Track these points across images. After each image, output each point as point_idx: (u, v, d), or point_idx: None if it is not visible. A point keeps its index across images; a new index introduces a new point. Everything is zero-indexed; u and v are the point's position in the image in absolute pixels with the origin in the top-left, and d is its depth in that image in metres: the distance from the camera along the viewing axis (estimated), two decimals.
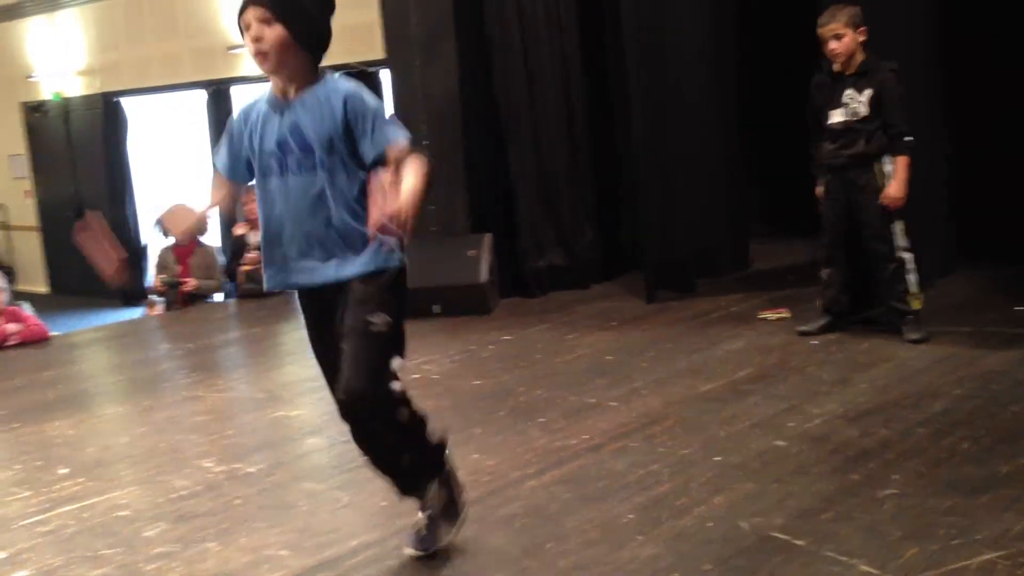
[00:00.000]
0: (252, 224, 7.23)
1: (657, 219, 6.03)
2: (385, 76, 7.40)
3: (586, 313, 5.97)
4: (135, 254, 12.26)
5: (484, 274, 6.10)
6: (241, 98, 11.03)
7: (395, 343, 2.63)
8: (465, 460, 3.58)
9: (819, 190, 4.82)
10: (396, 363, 2.62)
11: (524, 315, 6.02)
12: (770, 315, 5.35)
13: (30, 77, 13.05)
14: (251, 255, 7.11)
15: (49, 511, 3.50)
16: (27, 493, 3.71)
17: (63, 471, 3.92)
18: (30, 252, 13.85)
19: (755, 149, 7.07)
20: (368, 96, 2.62)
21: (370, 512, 3.31)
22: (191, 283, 7.14)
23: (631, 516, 3.00)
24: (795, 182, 5.41)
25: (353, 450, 3.88)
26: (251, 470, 3.77)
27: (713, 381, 4.35)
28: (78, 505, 3.54)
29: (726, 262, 6.58)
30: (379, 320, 2.57)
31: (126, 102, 12.18)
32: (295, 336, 6.60)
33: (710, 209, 6.36)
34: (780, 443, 3.53)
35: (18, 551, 3.18)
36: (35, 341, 6.34)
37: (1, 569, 3.05)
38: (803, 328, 4.94)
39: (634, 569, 2.66)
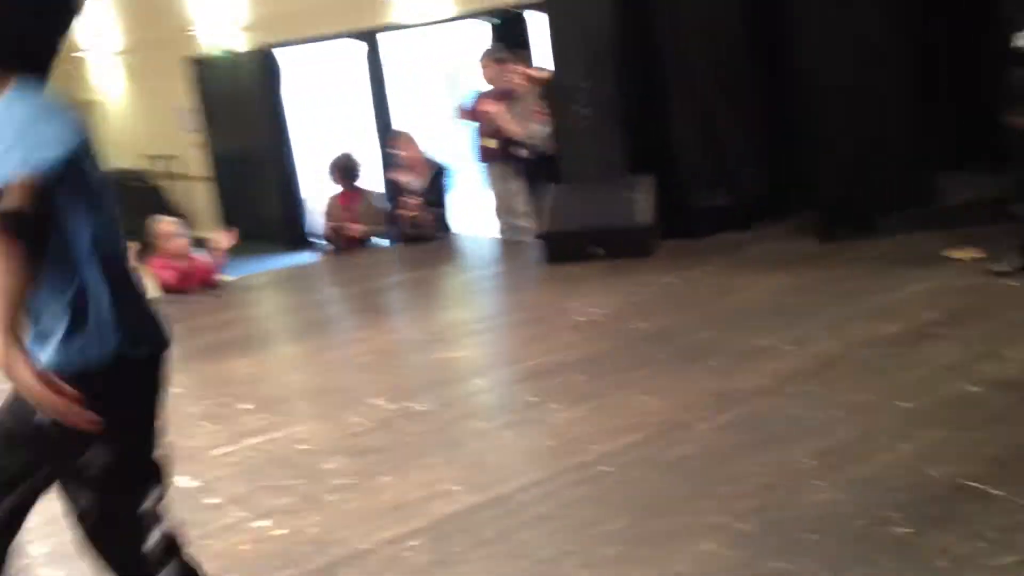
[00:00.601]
0: (411, 169, 7.34)
1: (832, 153, 5.75)
2: (538, 17, 7.32)
3: (753, 254, 5.78)
4: (296, 204, 12.65)
5: (645, 215, 6.02)
6: (392, 46, 11.14)
7: None
8: (632, 401, 3.59)
9: (1012, 119, 4.51)
10: None
11: (687, 257, 5.90)
12: (959, 254, 5.02)
13: (194, 32, 13.48)
14: (411, 200, 7.22)
15: (235, 443, 3.67)
16: (215, 427, 3.89)
17: (246, 406, 4.09)
18: (203, 201, 14.44)
19: (938, 75, 6.62)
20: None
21: (536, 451, 3.35)
22: (356, 228, 7.30)
23: (809, 461, 2.93)
24: (984, 110, 5.07)
25: (517, 391, 3.97)
26: (421, 408, 3.86)
27: (896, 324, 4.12)
28: (262, 438, 3.70)
29: (908, 197, 6.14)
30: None
31: (282, 53, 12.45)
32: (456, 280, 6.71)
33: (889, 141, 5.97)
34: (972, 389, 3.36)
35: (209, 480, 3.34)
36: (210, 284, 6.57)
37: (196, 496, 3.22)
38: (997, 267, 4.62)
39: (813, 515, 2.60)
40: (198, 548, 2.81)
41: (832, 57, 5.69)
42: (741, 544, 2.51)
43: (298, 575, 2.67)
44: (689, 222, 6.35)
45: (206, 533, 2.93)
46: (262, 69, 12.53)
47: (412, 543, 2.76)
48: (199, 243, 6.86)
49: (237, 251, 8.19)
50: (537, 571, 2.55)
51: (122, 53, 15.49)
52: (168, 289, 6.40)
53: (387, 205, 7.67)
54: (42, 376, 1.74)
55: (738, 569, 2.42)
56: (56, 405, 1.74)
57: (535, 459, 3.28)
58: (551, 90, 6.56)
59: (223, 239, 6.56)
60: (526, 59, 7.19)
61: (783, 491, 2.76)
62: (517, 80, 6.77)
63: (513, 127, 6.64)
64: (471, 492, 3.05)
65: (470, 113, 7.04)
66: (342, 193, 7.46)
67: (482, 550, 2.70)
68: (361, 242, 7.37)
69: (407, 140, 7.44)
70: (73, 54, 15.93)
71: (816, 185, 5.97)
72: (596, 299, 5.18)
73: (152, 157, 15.03)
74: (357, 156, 7.65)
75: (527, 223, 6.62)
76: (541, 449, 3.33)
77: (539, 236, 6.19)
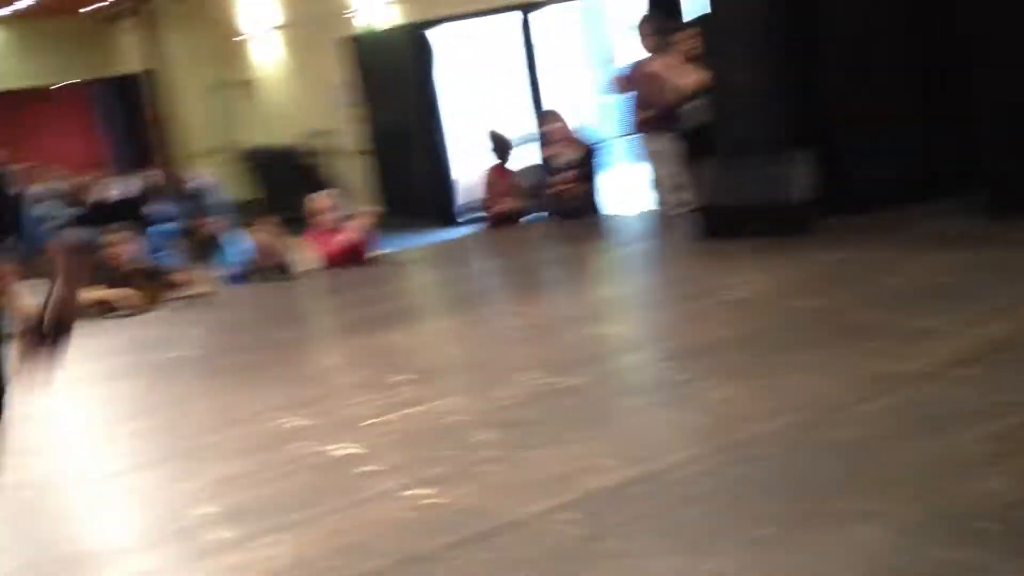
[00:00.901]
0: (564, 145, 7.34)
1: (1003, 125, 5.45)
2: None
3: (918, 232, 5.51)
4: (447, 180, 12.82)
5: (804, 191, 5.85)
6: (545, 22, 11.11)
7: None
8: (789, 381, 3.50)
9: None
10: None
11: (848, 234, 5.69)
12: None
13: (349, 11, 13.78)
14: (563, 176, 7.22)
15: (391, 413, 3.75)
16: (372, 396, 3.99)
17: (401, 377, 4.17)
18: (359, 176, 14.79)
19: None
20: None
21: (691, 428, 3.31)
22: (508, 203, 7.35)
23: (978, 447, 2.80)
24: None
25: (671, 368, 3.93)
26: (574, 382, 3.86)
27: None
28: (417, 409, 3.77)
29: None
30: None
31: (436, 31, 12.60)
32: (608, 256, 6.69)
33: None
34: None
35: (367, 448, 3.44)
36: (364, 258, 6.72)
37: (353, 463, 3.31)
38: None
39: (983, 503, 2.49)
40: (357, 514, 2.92)
41: (1003, 22, 5.38)
42: (904, 531, 2.42)
43: (453, 542, 2.70)
44: (850, 198, 6.12)
45: (363, 499, 3.03)
46: (415, 46, 12.70)
47: (565, 516, 2.77)
48: (352, 217, 7.02)
49: (391, 226, 8.37)
50: (690, 548, 2.53)
51: (280, 31, 15.98)
52: (325, 262, 6.60)
53: (538, 181, 7.69)
54: None
55: (901, 556, 2.33)
56: None
57: (689, 436, 3.24)
58: (709, 60, 6.42)
59: (370, 214, 6.70)
60: (684, 27, 7.06)
61: (950, 478, 2.64)
62: (680, 47, 6.63)
63: (685, 80, 6.43)
64: (624, 467, 3.03)
65: (626, 83, 6.95)
66: (494, 168, 7.51)
67: (635, 525, 2.68)
68: (513, 218, 7.42)
69: (559, 116, 7.45)
70: (236, 35, 16.55)
71: (986, 160, 5.68)
72: (752, 276, 5.07)
73: (311, 133, 15.48)
74: (508, 133, 7.69)
75: (682, 197, 6.53)
76: (695, 427, 3.29)
77: (694, 211, 6.10)
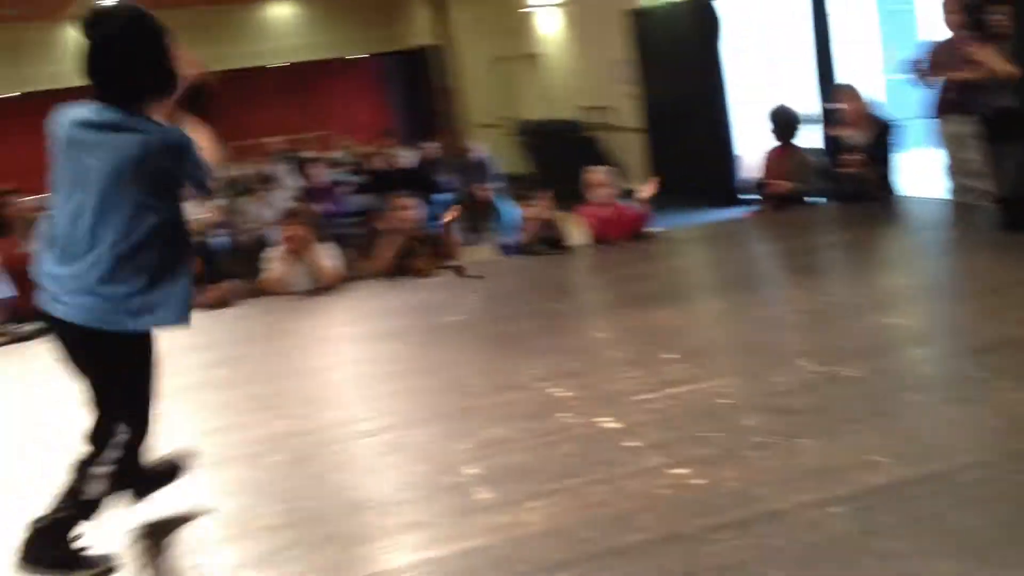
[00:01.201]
0: (854, 125, 7.00)
1: None
2: None
3: None
4: (729, 158, 12.56)
5: None
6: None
7: None
8: None
9: None
10: None
11: None
12: None
13: None
14: (853, 157, 6.90)
15: (657, 391, 3.72)
16: (639, 373, 3.97)
17: (670, 356, 4.13)
18: (633, 153, 14.79)
19: None
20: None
21: (981, 430, 3.09)
22: (784, 185, 7.11)
23: None
24: None
25: (961, 365, 3.67)
26: (851, 374, 3.69)
27: None
28: (684, 388, 3.72)
29: None
30: None
31: (722, 3, 12.35)
32: (899, 242, 6.34)
33: None
34: None
35: (631, 424, 3.42)
36: (637, 234, 6.69)
37: (616, 437, 3.31)
38: None
39: None
40: (616, 487, 2.93)
41: None
42: None
43: (714, 525, 2.66)
44: None
45: (625, 473, 3.03)
46: (701, 19, 12.50)
47: (832, 510, 2.66)
48: (628, 193, 7.00)
49: (666, 204, 8.30)
50: (968, 555, 2.36)
51: (563, 5, 16.17)
52: (597, 238, 6.63)
53: (825, 161, 7.37)
54: None
55: None
56: None
57: (978, 439, 3.02)
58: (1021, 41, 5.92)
59: (647, 189, 6.65)
60: (994, 4, 6.53)
61: None
62: (989, 26, 6.13)
63: (991, 61, 5.96)
64: (901, 465, 2.87)
65: (926, 62, 6.51)
66: (776, 147, 7.27)
67: (908, 526, 2.53)
68: (793, 199, 7.15)
69: (851, 94, 7.09)
70: (521, 9, 16.91)
71: None
72: None
73: (588, 108, 15.61)
74: (795, 110, 7.41)
75: (983, 185, 6.07)
76: (985, 429, 3.06)
77: (996, 200, 5.67)
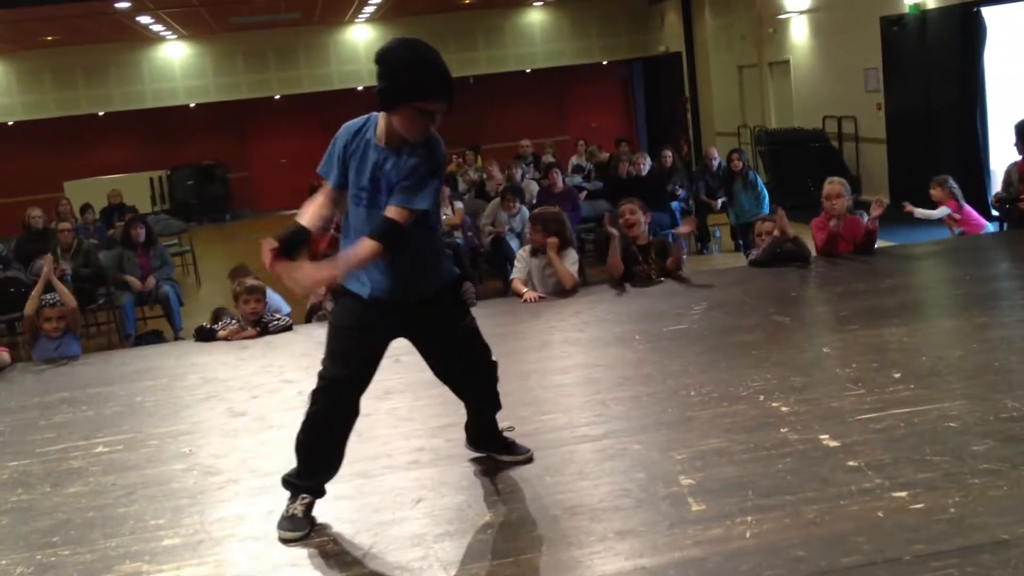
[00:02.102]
0: None
1: None
2: None
3: None
4: (981, 171, 11.93)
5: None
6: None
7: None
8: None
9: None
10: None
11: None
12: None
13: None
14: None
15: (882, 411, 3.69)
16: (862, 391, 3.94)
17: (896, 375, 4.08)
18: (875, 164, 14.29)
19: None
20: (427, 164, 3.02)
21: None
22: None
23: None
24: None
25: None
26: None
27: None
28: (909, 409, 3.67)
29: None
30: None
31: (987, 12, 11.76)
32: None
33: None
34: None
35: (851, 443, 3.42)
36: (866, 248, 6.53)
37: (836, 457, 3.32)
38: None
39: None
40: (832, 507, 2.94)
41: None
42: None
43: (932, 552, 2.64)
44: None
45: (843, 494, 3.04)
46: (965, 27, 11.95)
47: None
48: (861, 205, 6.84)
49: (905, 218, 8.03)
50: None
51: (815, 12, 15.81)
52: (826, 250, 6.52)
53: None
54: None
55: None
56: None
57: None
58: None
59: (876, 209, 6.47)
60: None
61: None
62: None
63: None
64: None
65: None
66: (1023, 161, 6.92)
67: None
68: None
69: None
70: (778, 15, 16.65)
71: None
72: None
73: (831, 118, 15.22)
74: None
75: None
76: None
77: None
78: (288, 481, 3.23)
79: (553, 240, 6.28)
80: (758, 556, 2.71)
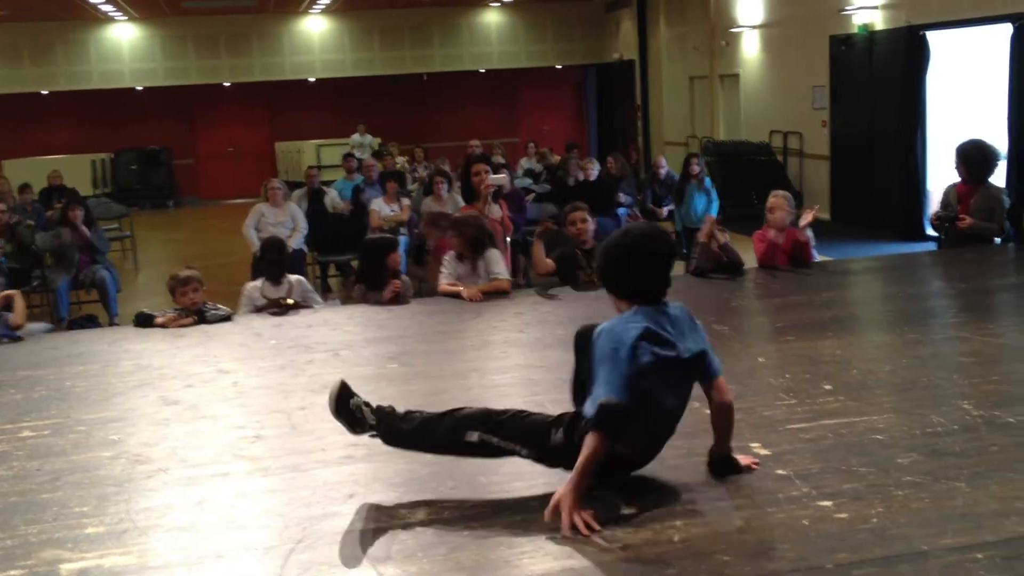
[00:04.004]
0: None
1: None
2: None
3: None
4: (918, 190, 12.17)
5: None
6: None
7: None
8: None
9: None
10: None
11: None
12: None
13: (842, 11, 13.51)
14: None
15: (812, 421, 3.75)
16: (793, 401, 4.00)
17: (828, 387, 4.15)
18: (818, 180, 14.52)
19: None
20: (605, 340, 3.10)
21: None
22: (967, 221, 6.90)
23: None
24: None
25: None
26: (1012, 420, 3.63)
27: None
28: (838, 421, 3.73)
29: None
30: None
31: (931, 36, 12.01)
32: None
33: None
34: None
35: (781, 452, 3.47)
36: (802, 261, 6.62)
37: (765, 466, 3.35)
38: None
39: None
40: (760, 514, 2.99)
41: None
42: None
43: (853, 561, 2.68)
44: None
45: (769, 501, 3.08)
46: (906, 49, 12.19)
47: (977, 555, 2.66)
48: (800, 219, 6.94)
49: (845, 233, 8.16)
50: None
51: (766, 27, 16.02)
52: (764, 262, 6.61)
53: (1007, 201, 7.12)
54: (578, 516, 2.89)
55: None
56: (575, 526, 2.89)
57: None
58: None
59: (806, 217, 6.59)
60: None
61: None
62: None
63: None
64: None
65: None
66: (961, 183, 7.07)
67: None
68: (977, 238, 6.94)
69: None
70: (731, 29, 16.84)
71: None
72: None
73: (777, 132, 15.43)
74: (989, 148, 7.16)
75: None
76: None
77: None
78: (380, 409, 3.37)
79: (466, 241, 6.33)
80: (685, 560, 2.73)
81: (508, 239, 7.08)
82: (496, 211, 6.93)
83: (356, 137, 19.58)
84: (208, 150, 23.12)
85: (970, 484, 3.11)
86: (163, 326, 5.87)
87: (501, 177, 7.22)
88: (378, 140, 19.69)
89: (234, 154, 22.88)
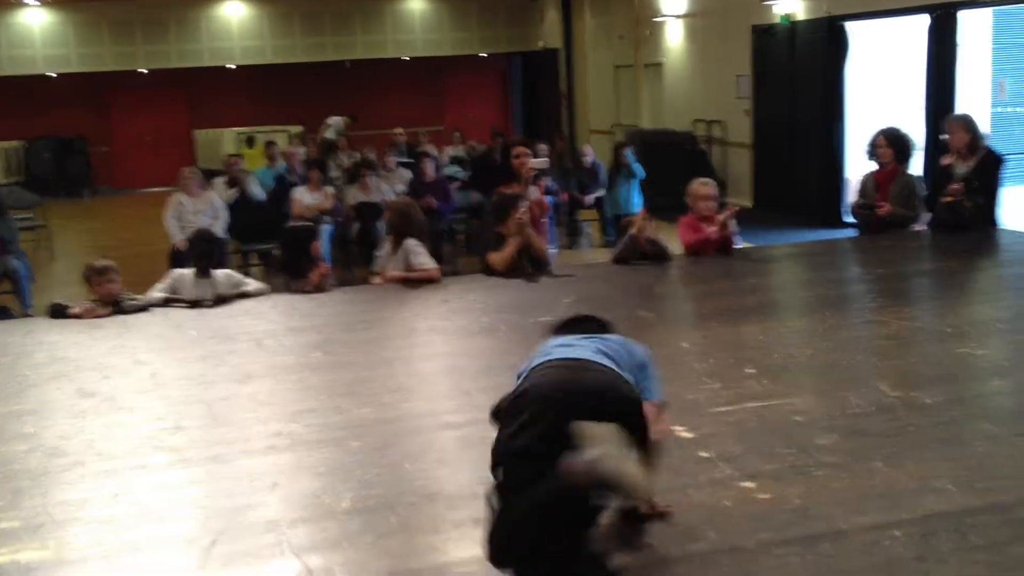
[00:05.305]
0: (958, 154, 6.92)
1: None
2: None
3: None
4: (837, 178, 12.41)
5: None
6: (970, 23, 10.48)
7: None
8: None
9: None
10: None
11: None
12: None
13: (764, 1, 13.66)
14: (955, 187, 6.82)
15: (735, 404, 3.80)
16: (717, 385, 4.04)
17: (750, 371, 4.20)
18: (741, 168, 14.72)
19: None
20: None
21: None
22: (886, 208, 7.05)
23: None
24: None
25: None
26: (928, 401, 3.72)
27: None
28: (760, 403, 3.79)
29: None
30: None
31: (851, 26, 12.22)
32: (992, 274, 6.26)
33: None
34: None
35: (704, 434, 3.51)
36: (726, 250, 6.69)
37: (689, 448, 3.39)
38: None
39: None
40: (682, 496, 3.01)
41: None
42: None
43: (775, 540, 2.73)
44: None
45: (693, 483, 3.11)
46: (826, 40, 12.39)
47: (895, 533, 2.72)
48: (724, 208, 7.02)
49: (768, 221, 8.29)
50: None
51: (689, 17, 16.16)
52: (690, 250, 6.67)
53: (924, 189, 7.29)
54: None
55: None
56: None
57: None
58: None
59: (726, 214, 6.64)
60: None
61: None
62: None
63: None
64: (967, 494, 2.92)
65: None
66: (879, 171, 7.22)
67: (968, 555, 2.59)
68: (891, 224, 7.09)
69: (961, 124, 7.01)
70: (655, 18, 16.94)
71: None
72: None
73: (701, 121, 15.59)
74: (907, 134, 7.31)
75: None
76: None
77: None
78: None
79: (399, 227, 6.28)
80: (609, 542, 2.74)
81: (543, 220, 7.07)
82: (534, 192, 6.89)
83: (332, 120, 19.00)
84: (125, 138, 22.62)
85: (888, 464, 3.17)
86: (79, 317, 5.72)
87: (543, 161, 7.18)
88: (346, 119, 18.99)
89: (151, 142, 22.42)
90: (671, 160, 14.55)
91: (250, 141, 18.17)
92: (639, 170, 11.71)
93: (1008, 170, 7.00)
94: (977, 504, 2.85)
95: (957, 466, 3.12)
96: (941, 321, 4.99)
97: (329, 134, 17.53)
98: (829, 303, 5.45)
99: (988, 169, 6.84)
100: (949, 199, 6.86)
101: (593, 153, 13.07)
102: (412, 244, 6.37)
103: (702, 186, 6.72)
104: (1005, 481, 3.00)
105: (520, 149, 7.01)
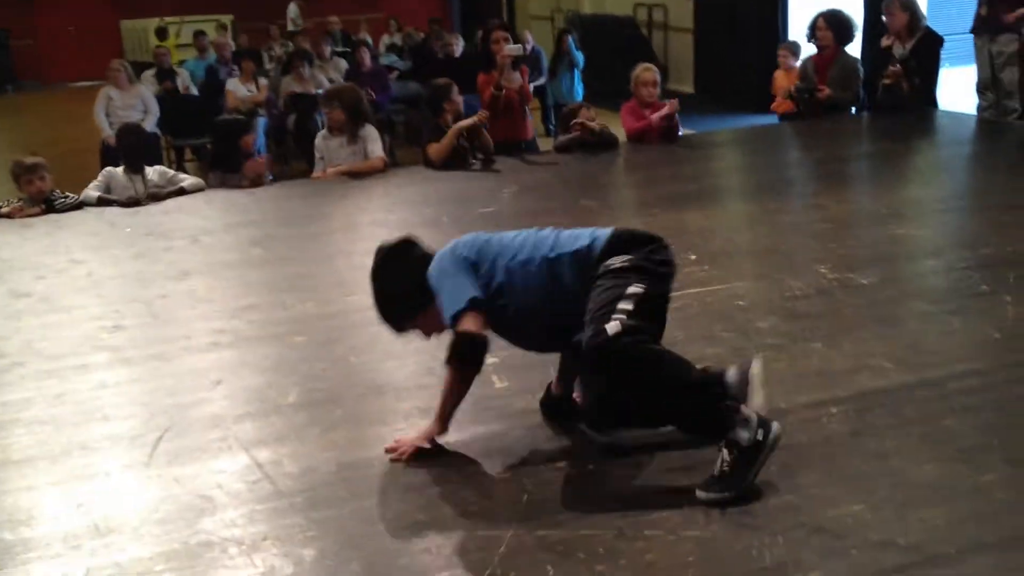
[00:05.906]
0: (897, 35, 6.92)
1: None
2: None
3: None
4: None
5: None
6: None
7: None
8: None
9: None
10: None
11: None
12: None
13: None
14: (894, 68, 6.84)
15: (678, 291, 3.79)
16: None
17: (692, 257, 4.23)
18: (683, 54, 14.59)
19: None
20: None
21: (981, 340, 3.21)
22: (825, 91, 7.06)
23: None
24: None
25: (970, 278, 3.75)
26: (864, 281, 3.79)
27: None
28: (702, 289, 3.83)
29: None
30: None
31: None
32: (927, 155, 6.34)
33: None
34: None
35: None
36: (670, 135, 6.66)
37: None
38: None
39: None
40: None
41: None
42: None
43: None
44: None
45: None
46: None
47: (832, 410, 2.79)
48: (667, 95, 6.98)
49: (709, 107, 8.26)
50: (956, 459, 2.49)
51: None
52: (633, 136, 6.65)
53: (862, 71, 7.29)
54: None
55: None
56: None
57: (975, 349, 3.13)
58: None
59: (669, 106, 6.58)
60: None
61: None
62: None
63: None
64: (901, 371, 3.00)
65: None
66: (818, 54, 7.20)
67: (902, 429, 2.66)
68: (833, 107, 7.11)
69: (898, 5, 6.99)
70: None
71: None
72: None
73: (643, 5, 15.37)
74: (848, 16, 7.26)
75: (1015, 103, 6.04)
76: (984, 340, 3.16)
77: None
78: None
79: (343, 117, 6.11)
80: (543, 431, 2.80)
81: (527, 107, 6.87)
82: (516, 79, 6.65)
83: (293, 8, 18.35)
84: (49, 30, 21.76)
85: (825, 344, 3.24)
86: (8, 216, 5.58)
87: (518, 47, 6.94)
88: (299, 3, 18.32)
89: (76, 33, 21.61)
90: (612, 46, 14.36)
91: (161, 33, 17.47)
92: (580, 59, 11.56)
93: (947, 51, 7.01)
94: (911, 380, 2.93)
95: (891, 344, 3.19)
96: (878, 203, 5.05)
97: (290, 27, 16.96)
98: (770, 188, 5.50)
99: (927, 50, 6.85)
100: (888, 81, 6.88)
101: (533, 40, 12.85)
102: (371, 131, 6.24)
103: (645, 71, 6.66)
104: (935, 356, 3.09)
105: (498, 34, 6.77)
